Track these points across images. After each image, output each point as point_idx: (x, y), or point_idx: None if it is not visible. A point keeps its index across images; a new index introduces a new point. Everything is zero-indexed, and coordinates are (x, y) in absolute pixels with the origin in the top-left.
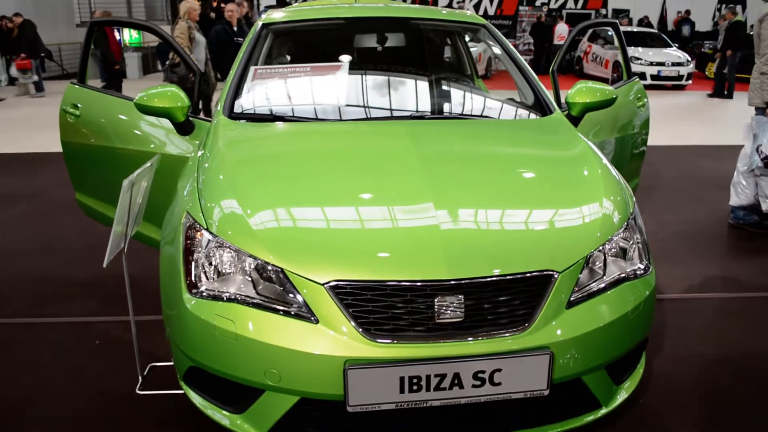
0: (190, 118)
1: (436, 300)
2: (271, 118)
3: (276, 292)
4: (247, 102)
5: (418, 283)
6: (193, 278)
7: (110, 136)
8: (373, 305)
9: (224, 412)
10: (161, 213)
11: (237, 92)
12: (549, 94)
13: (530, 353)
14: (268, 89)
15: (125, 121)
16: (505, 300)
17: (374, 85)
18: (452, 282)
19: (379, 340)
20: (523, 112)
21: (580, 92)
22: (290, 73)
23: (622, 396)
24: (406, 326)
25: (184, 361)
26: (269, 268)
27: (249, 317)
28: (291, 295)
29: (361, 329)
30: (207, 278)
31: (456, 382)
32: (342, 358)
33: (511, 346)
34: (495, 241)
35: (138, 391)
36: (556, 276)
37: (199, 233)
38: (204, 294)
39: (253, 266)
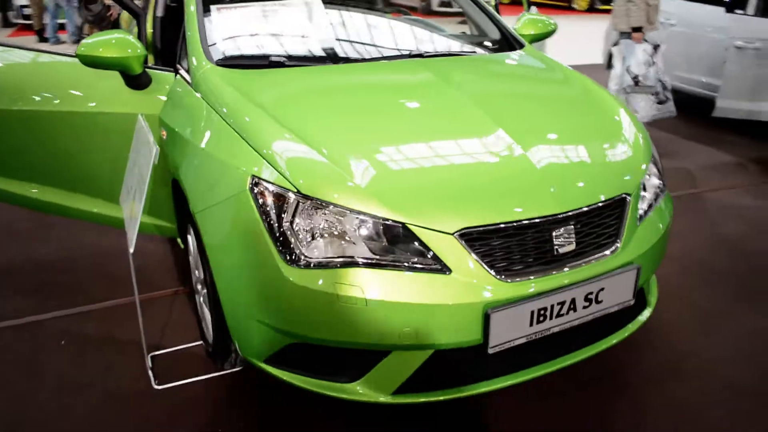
0: (147, 70)
1: (553, 233)
2: (266, 63)
3: (395, 248)
4: (225, 48)
5: (537, 220)
6: (291, 248)
7: (27, 97)
8: (499, 247)
9: (335, 383)
10: (108, 184)
11: (205, 37)
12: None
13: (624, 269)
14: (244, 33)
15: (51, 78)
16: (599, 225)
17: (354, 24)
18: (564, 215)
19: (510, 280)
20: (502, 47)
21: (526, 25)
22: (260, 12)
23: (655, 296)
24: (530, 262)
25: (279, 341)
26: (386, 224)
27: (377, 279)
28: (416, 249)
29: (493, 272)
30: (307, 246)
31: (572, 306)
32: (481, 304)
33: (611, 265)
34: (579, 172)
35: (156, 386)
36: (629, 198)
37: (278, 198)
38: (312, 263)
39: (362, 225)
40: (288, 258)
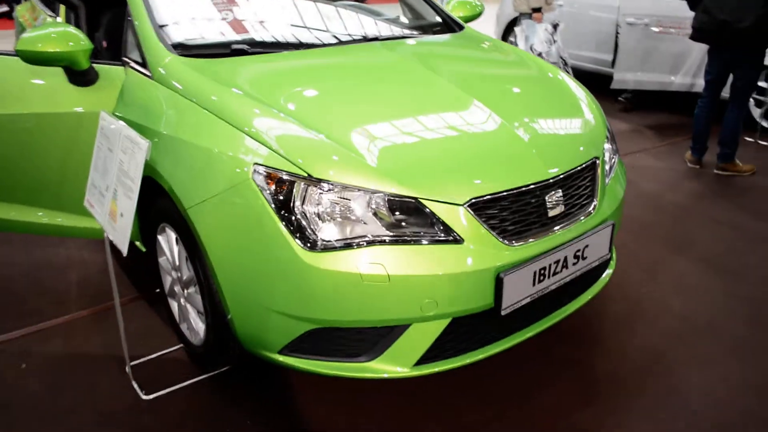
0: (94, 65)
1: (546, 197)
2: (228, 52)
3: (409, 222)
4: (181, 37)
5: (534, 185)
6: (306, 234)
7: None
8: (502, 214)
9: (355, 364)
10: (56, 191)
11: (158, 27)
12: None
13: (603, 226)
14: (196, 19)
15: None
16: (579, 187)
17: (304, 9)
18: (554, 179)
19: (515, 244)
20: (444, 29)
21: (456, 7)
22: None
23: (614, 255)
24: (528, 226)
25: (297, 329)
26: (399, 200)
27: (396, 255)
28: (429, 222)
29: (501, 238)
30: (322, 229)
31: (564, 264)
32: (493, 269)
33: (592, 223)
34: (558, 138)
35: (145, 397)
36: (598, 161)
37: (286, 183)
38: (330, 246)
39: (375, 203)
40: (304, 243)
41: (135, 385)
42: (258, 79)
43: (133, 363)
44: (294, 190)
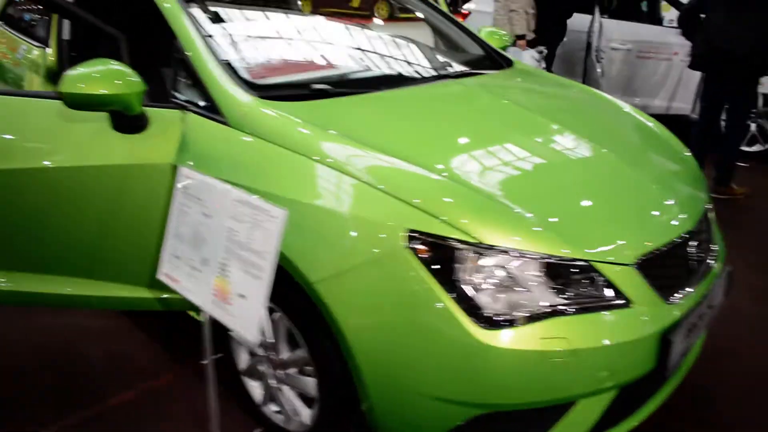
0: (144, 108)
1: (688, 247)
2: (310, 94)
3: (580, 288)
4: (255, 75)
5: (684, 235)
6: (477, 308)
7: None
8: (659, 269)
9: None
10: (89, 256)
11: (225, 62)
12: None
13: (724, 272)
14: (264, 54)
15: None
16: (705, 231)
17: (371, 42)
18: (696, 226)
19: (673, 301)
20: (494, 64)
21: (489, 38)
22: (264, 23)
23: None
24: (677, 279)
25: (459, 415)
26: (572, 264)
27: (576, 326)
28: (600, 286)
29: (662, 296)
30: (495, 302)
31: (701, 317)
32: (659, 331)
33: (718, 269)
34: (680, 181)
35: None
36: (709, 202)
37: (449, 252)
38: (505, 321)
39: (549, 269)
40: (477, 320)
41: None
42: (374, 126)
43: None
44: (459, 259)
